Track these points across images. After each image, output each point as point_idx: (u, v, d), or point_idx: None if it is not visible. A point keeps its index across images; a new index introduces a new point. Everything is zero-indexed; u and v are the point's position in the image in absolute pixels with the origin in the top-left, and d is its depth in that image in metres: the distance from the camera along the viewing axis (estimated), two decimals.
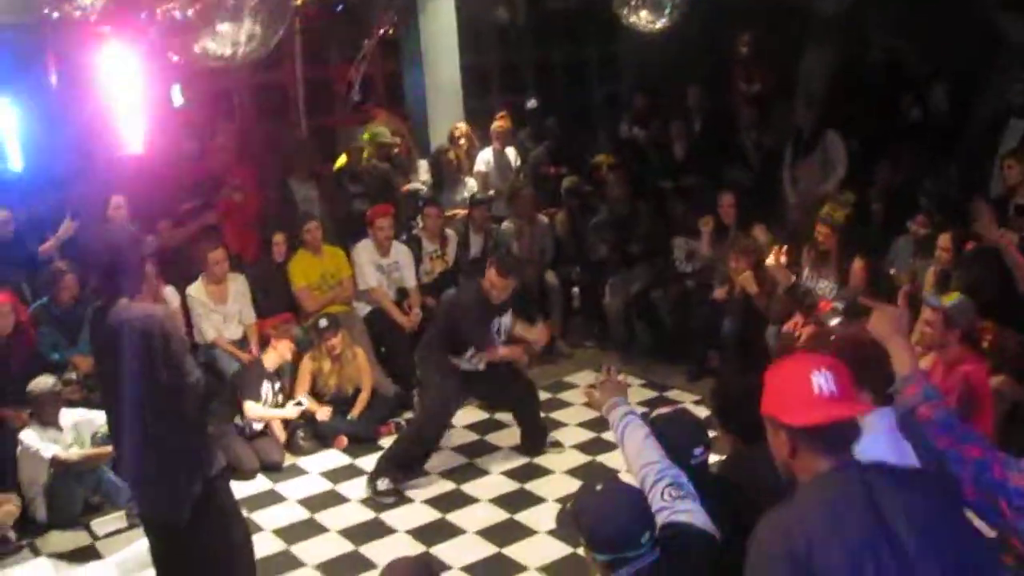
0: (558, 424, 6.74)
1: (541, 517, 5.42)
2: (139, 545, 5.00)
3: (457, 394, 6.16)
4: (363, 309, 7.51)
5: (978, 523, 2.30)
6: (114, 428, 4.09)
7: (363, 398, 6.81)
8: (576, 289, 8.61)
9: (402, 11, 9.50)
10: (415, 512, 5.68)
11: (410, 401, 6.97)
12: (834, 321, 5.82)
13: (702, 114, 9.40)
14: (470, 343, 5.98)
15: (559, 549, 5.04)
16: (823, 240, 6.46)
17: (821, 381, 2.21)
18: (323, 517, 5.71)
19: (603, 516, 2.69)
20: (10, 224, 6.74)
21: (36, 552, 5.46)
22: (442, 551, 5.20)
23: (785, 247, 6.29)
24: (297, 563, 5.20)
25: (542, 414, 6.57)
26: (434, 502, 5.78)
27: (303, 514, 5.77)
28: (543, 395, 7.22)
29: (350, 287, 7.49)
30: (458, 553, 5.16)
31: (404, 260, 7.59)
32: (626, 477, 3.24)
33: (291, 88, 9.48)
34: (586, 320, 8.61)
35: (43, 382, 5.70)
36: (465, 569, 5.00)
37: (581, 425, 6.62)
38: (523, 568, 4.98)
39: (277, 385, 6.60)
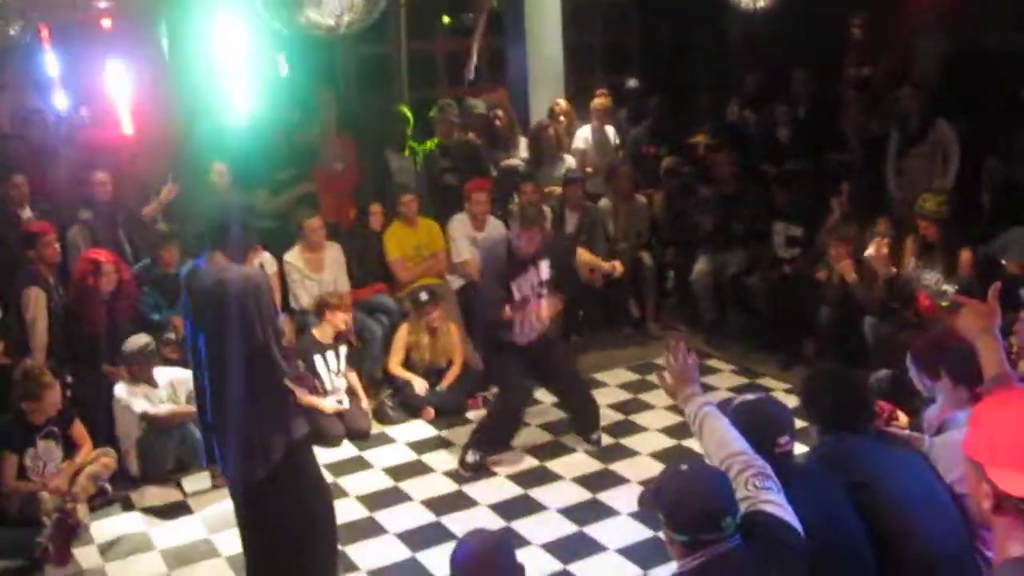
0: (645, 406, 6.67)
1: (623, 498, 5.37)
2: (226, 504, 5.10)
3: (519, 367, 5.99)
4: (456, 283, 7.53)
5: None
6: (199, 387, 4.16)
7: (454, 372, 6.84)
8: (671, 271, 8.51)
9: None
10: (498, 486, 5.69)
11: None
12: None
13: (807, 99, 9.13)
14: (482, 298, 5.99)
15: (639, 531, 4.98)
16: (923, 231, 6.26)
17: None
18: (407, 486, 5.75)
19: (685, 495, 2.63)
20: (108, 184, 6.89)
21: (130, 506, 5.63)
22: (522, 526, 5.19)
23: (887, 239, 6.13)
24: (379, 530, 5.25)
25: (629, 396, 6.46)
26: (517, 478, 5.77)
27: (388, 482, 5.82)
28: (630, 376, 7.18)
29: (444, 260, 7.52)
30: (538, 530, 5.14)
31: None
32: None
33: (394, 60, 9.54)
34: (679, 303, 8.50)
35: (136, 341, 5.86)
36: (544, 546, 4.96)
37: (668, 408, 6.51)
38: (603, 548, 4.93)
39: (331, 358, 6.49)
